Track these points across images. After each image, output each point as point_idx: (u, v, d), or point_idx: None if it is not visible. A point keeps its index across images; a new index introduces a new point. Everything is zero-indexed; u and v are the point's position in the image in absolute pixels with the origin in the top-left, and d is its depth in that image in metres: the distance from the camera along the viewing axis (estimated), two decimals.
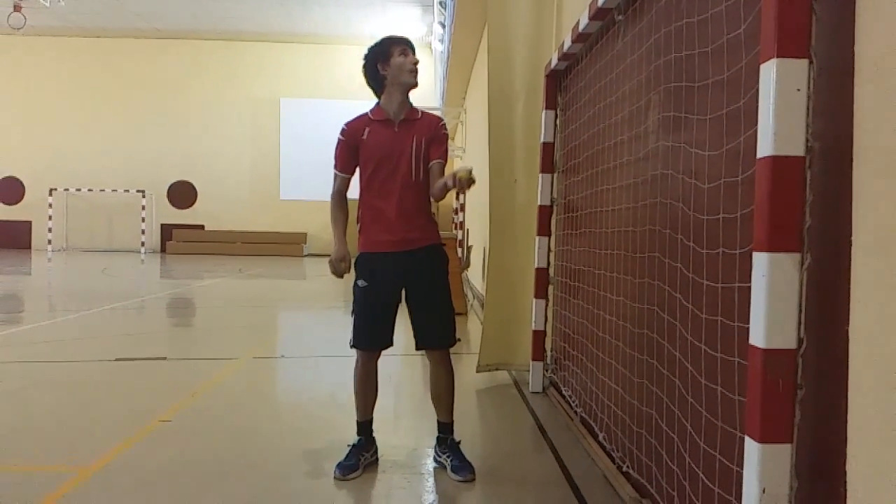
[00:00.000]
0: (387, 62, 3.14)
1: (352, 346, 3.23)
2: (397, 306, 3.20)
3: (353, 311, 3.22)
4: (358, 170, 3.25)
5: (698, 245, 2.21)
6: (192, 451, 3.41)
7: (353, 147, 3.19)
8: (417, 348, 3.26)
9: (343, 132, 3.22)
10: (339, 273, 3.17)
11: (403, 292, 3.21)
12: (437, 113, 3.30)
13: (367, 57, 3.18)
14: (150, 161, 25.33)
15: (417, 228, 3.15)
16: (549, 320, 4.78)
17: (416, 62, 3.14)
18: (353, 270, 3.26)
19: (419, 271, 3.17)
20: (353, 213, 3.32)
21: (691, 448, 2.22)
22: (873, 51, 1.42)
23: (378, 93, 3.21)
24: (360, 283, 3.18)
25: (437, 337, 3.21)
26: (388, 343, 3.22)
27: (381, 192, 3.13)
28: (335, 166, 3.27)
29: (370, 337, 3.20)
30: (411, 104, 3.21)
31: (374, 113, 3.20)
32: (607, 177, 3.45)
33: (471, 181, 2.84)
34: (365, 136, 3.15)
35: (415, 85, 3.16)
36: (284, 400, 4.73)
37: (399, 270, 3.14)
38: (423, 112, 3.25)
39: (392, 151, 3.12)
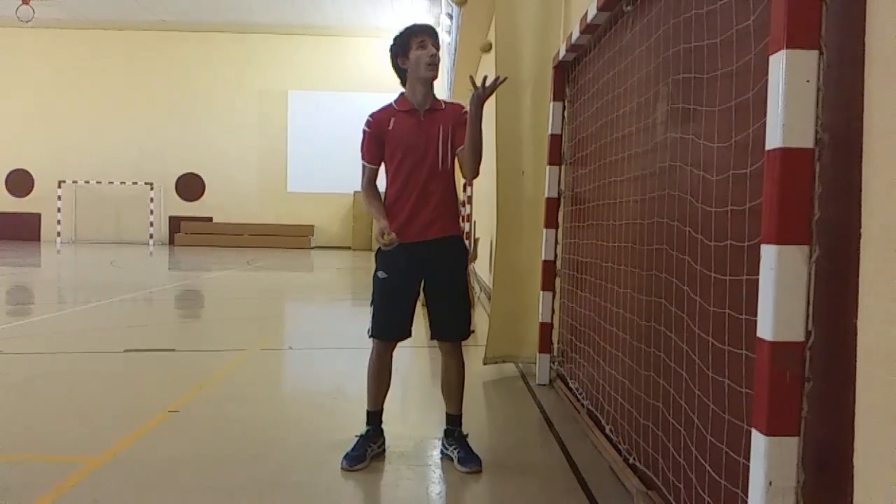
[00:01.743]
0: (406, 56, 3.14)
1: (370, 336, 3.23)
2: (417, 297, 3.21)
3: (371, 302, 3.23)
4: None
5: (706, 237, 2.20)
6: (200, 442, 3.43)
7: (379, 138, 3.17)
8: (432, 339, 3.26)
9: (368, 123, 3.20)
10: (388, 244, 2.99)
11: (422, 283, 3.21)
12: None
13: (390, 49, 3.21)
14: (158, 153, 25.39)
15: (441, 219, 3.15)
16: (555, 313, 4.78)
17: (433, 54, 3.11)
18: (374, 260, 3.26)
19: (439, 262, 3.18)
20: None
21: (698, 440, 2.21)
22: (884, 42, 1.41)
23: (403, 84, 3.23)
24: (381, 273, 3.19)
25: (452, 329, 3.22)
26: (407, 334, 3.23)
27: (407, 182, 3.13)
28: (362, 157, 3.25)
29: (389, 327, 3.21)
30: (434, 95, 3.22)
31: (399, 103, 3.20)
32: (615, 169, 3.44)
33: (494, 80, 2.90)
34: (391, 127, 3.15)
35: (433, 77, 3.15)
36: (292, 391, 4.75)
37: (419, 261, 3.14)
38: (445, 102, 3.26)
39: (419, 141, 3.12)
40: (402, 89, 3.23)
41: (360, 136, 3.22)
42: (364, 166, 3.25)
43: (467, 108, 3.05)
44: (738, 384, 1.92)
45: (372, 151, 3.21)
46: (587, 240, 4.00)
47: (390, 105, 3.23)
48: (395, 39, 3.19)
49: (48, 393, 4.36)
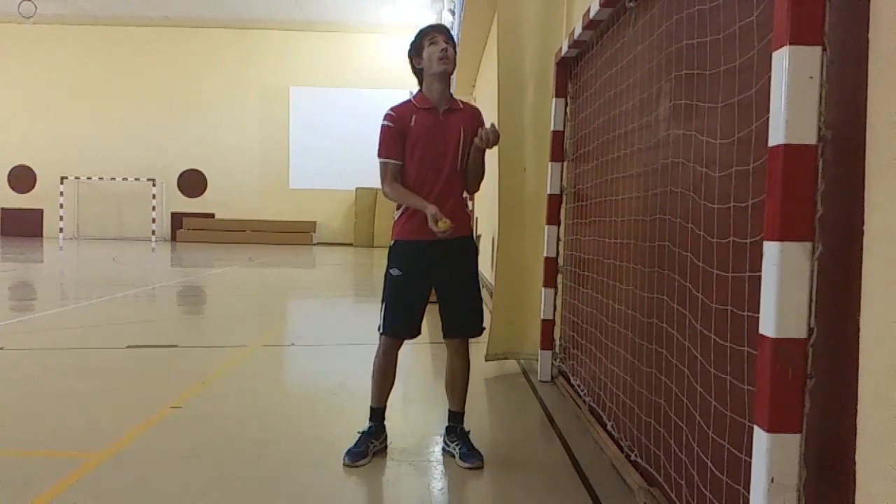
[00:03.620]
0: (419, 55, 3.17)
1: (381, 333, 3.22)
2: (429, 296, 3.21)
3: (383, 299, 3.22)
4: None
5: (709, 234, 2.20)
6: (202, 438, 3.44)
7: (401, 133, 3.13)
8: (445, 337, 3.27)
9: (390, 118, 3.14)
10: (444, 230, 2.88)
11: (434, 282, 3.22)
12: None
13: (407, 54, 3.24)
14: (160, 150, 25.42)
15: (457, 219, 3.13)
16: (557, 309, 4.78)
17: (444, 48, 3.11)
18: (386, 258, 3.25)
19: (454, 261, 3.18)
20: (384, 202, 3.28)
21: (700, 437, 2.22)
22: (888, 38, 1.40)
23: (420, 84, 3.23)
24: (394, 271, 3.18)
25: (467, 326, 3.23)
26: (417, 332, 3.23)
27: (425, 181, 3.12)
28: (381, 154, 3.15)
29: (401, 325, 3.20)
30: (451, 94, 3.23)
31: (418, 101, 3.19)
32: (618, 165, 3.44)
33: (495, 133, 3.05)
34: (412, 123, 3.13)
35: (447, 71, 3.14)
36: (294, 388, 4.76)
37: (434, 260, 3.14)
38: (462, 102, 3.28)
39: (438, 139, 3.13)
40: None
41: (379, 132, 3.14)
42: (386, 164, 3.15)
43: (482, 112, 3.16)
44: (741, 381, 1.92)
45: (396, 147, 3.14)
46: (589, 236, 4.00)
47: (409, 101, 3.21)
48: (412, 42, 3.22)
49: (50, 389, 4.37)
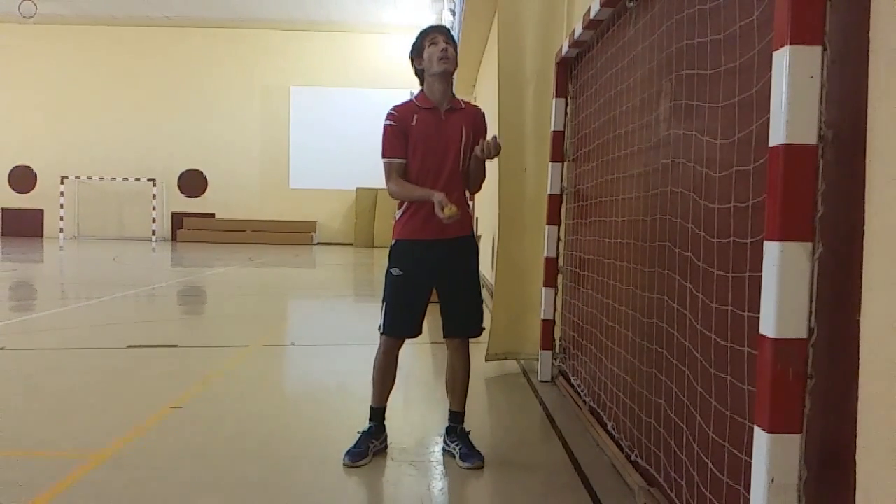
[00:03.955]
0: (420, 56, 3.18)
1: (382, 333, 3.21)
2: (430, 296, 3.21)
3: (384, 299, 3.22)
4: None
5: (709, 234, 2.19)
6: (202, 438, 3.44)
7: (404, 132, 3.13)
8: (445, 337, 3.27)
9: (392, 118, 3.15)
10: (450, 216, 2.86)
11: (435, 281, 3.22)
12: None
13: (409, 54, 3.24)
14: (160, 150, 25.42)
15: (458, 218, 3.14)
16: (558, 309, 4.77)
17: (444, 48, 3.11)
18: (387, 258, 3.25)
19: (454, 261, 3.19)
20: (384, 202, 3.28)
21: (700, 437, 2.21)
22: (888, 38, 1.40)
23: (422, 85, 3.23)
24: (395, 271, 3.18)
25: (467, 326, 3.23)
26: (419, 332, 3.23)
27: (427, 180, 3.12)
28: (385, 154, 3.15)
29: (402, 325, 3.20)
30: (453, 93, 3.23)
31: (420, 100, 3.19)
32: (618, 165, 3.44)
33: (496, 145, 3.03)
34: (414, 123, 3.13)
35: (448, 70, 3.14)
36: (294, 387, 4.76)
37: (435, 260, 3.15)
38: (464, 101, 3.28)
39: (441, 140, 3.13)
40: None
41: (382, 132, 3.14)
42: (390, 163, 3.14)
43: (485, 114, 3.17)
44: (741, 381, 1.91)
45: (400, 145, 3.13)
46: (589, 236, 4.00)
47: (411, 101, 3.21)
48: (412, 44, 3.23)
49: (51, 389, 4.37)
